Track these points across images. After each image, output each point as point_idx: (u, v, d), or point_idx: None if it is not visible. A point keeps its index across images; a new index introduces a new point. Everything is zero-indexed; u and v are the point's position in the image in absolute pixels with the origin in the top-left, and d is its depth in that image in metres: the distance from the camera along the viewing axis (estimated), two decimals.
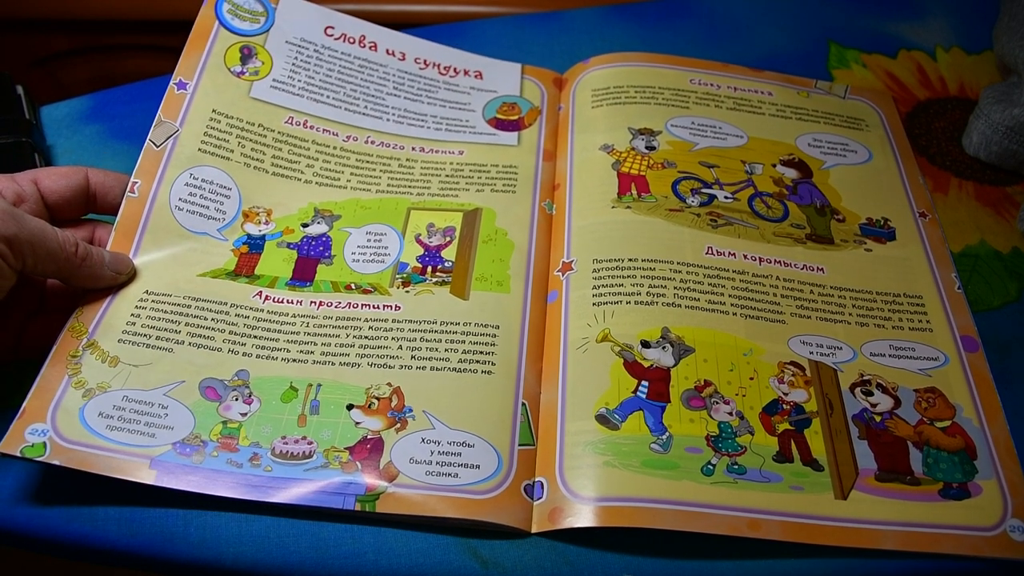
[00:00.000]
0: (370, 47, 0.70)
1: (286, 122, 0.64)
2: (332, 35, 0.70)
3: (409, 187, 0.63)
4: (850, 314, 0.56)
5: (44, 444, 0.47)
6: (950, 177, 0.67)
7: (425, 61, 0.71)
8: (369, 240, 0.60)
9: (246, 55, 0.66)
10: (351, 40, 0.70)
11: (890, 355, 0.54)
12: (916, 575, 0.47)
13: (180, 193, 0.59)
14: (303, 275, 0.58)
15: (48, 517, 0.48)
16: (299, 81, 0.67)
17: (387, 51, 0.71)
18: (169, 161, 0.60)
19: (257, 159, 0.62)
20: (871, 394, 0.52)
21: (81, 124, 0.71)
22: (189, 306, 0.54)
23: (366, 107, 0.67)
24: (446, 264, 0.58)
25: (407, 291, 0.57)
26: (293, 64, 0.67)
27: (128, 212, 0.57)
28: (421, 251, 0.59)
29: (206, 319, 0.54)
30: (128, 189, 0.58)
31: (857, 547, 0.46)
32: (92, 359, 0.51)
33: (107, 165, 0.66)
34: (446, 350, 0.53)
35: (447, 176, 0.64)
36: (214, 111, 0.63)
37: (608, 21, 0.80)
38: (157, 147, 0.60)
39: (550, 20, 0.80)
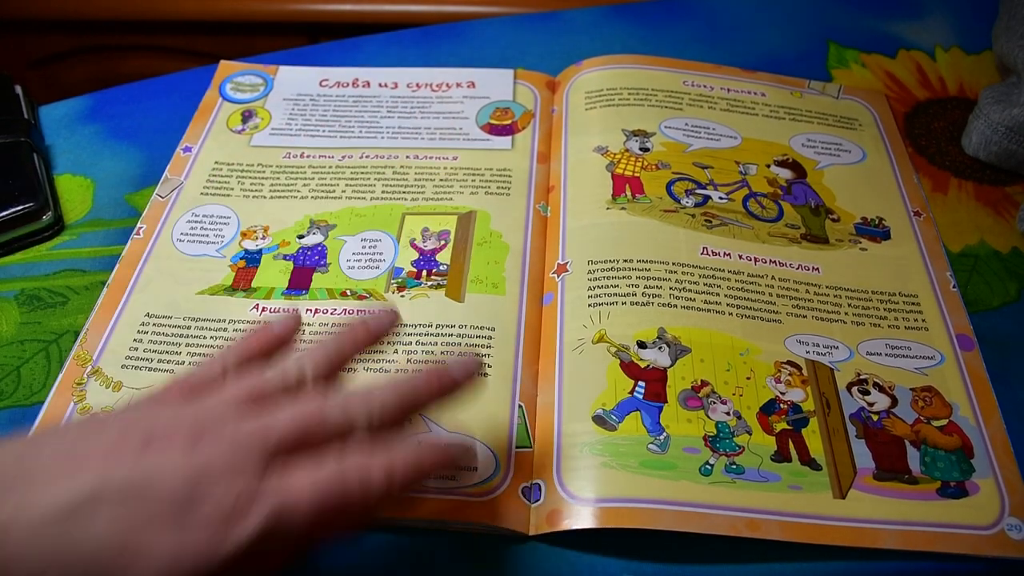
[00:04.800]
0: (363, 85, 0.73)
1: (284, 157, 0.67)
2: (327, 85, 0.73)
3: (403, 192, 0.64)
4: (846, 313, 0.56)
5: None
6: (949, 177, 0.67)
7: (417, 84, 0.73)
8: (364, 247, 0.60)
9: (246, 116, 0.70)
10: (344, 84, 0.73)
11: (886, 354, 0.54)
12: (915, 574, 0.46)
13: (182, 228, 0.62)
14: (299, 284, 0.58)
15: None
16: (296, 125, 0.70)
17: (380, 84, 0.73)
18: (173, 207, 0.63)
19: (256, 190, 0.65)
20: (868, 393, 0.52)
21: (80, 124, 0.71)
22: (189, 327, 0.56)
23: (361, 132, 0.69)
24: (441, 267, 0.58)
25: (402, 295, 0.57)
26: (290, 113, 0.71)
27: (132, 249, 0.60)
28: (416, 255, 0.59)
29: (205, 338, 0.55)
30: (134, 232, 0.61)
31: (856, 546, 0.46)
32: (96, 385, 0.52)
33: (106, 165, 0.67)
34: (442, 353, 0.53)
35: (441, 180, 0.64)
36: (216, 162, 0.66)
37: (607, 21, 0.80)
38: (162, 199, 0.63)
39: (548, 20, 0.80)
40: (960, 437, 0.50)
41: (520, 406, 0.52)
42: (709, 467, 0.48)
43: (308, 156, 0.67)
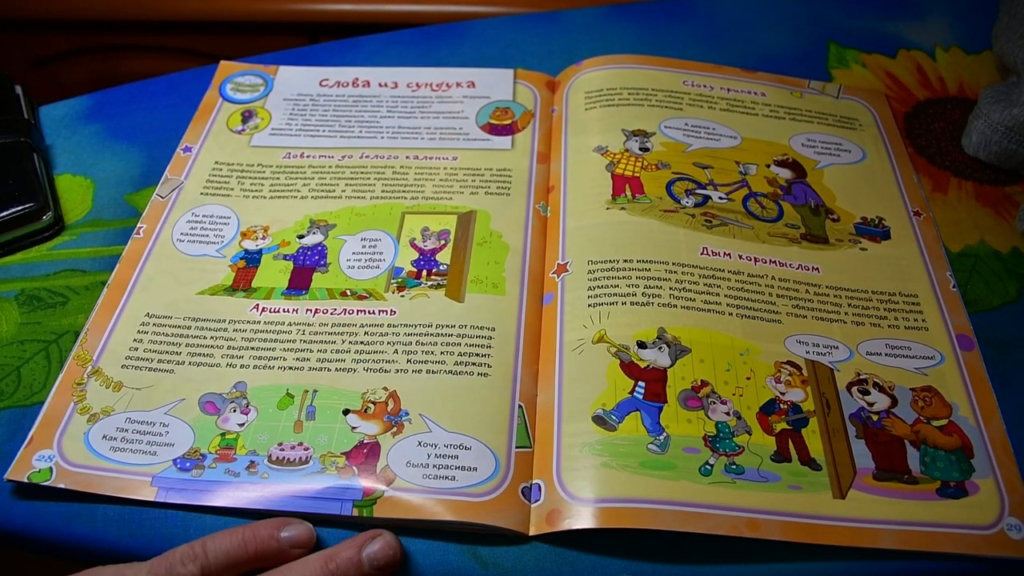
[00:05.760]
0: (363, 85, 0.73)
1: (284, 157, 0.67)
2: (327, 85, 0.73)
3: (403, 192, 0.64)
4: (846, 313, 0.56)
5: (50, 469, 0.49)
6: (949, 177, 0.67)
7: (417, 84, 0.73)
8: (364, 246, 0.60)
9: (246, 117, 0.70)
10: (344, 84, 0.73)
11: (886, 354, 0.54)
12: (914, 574, 0.47)
13: (182, 228, 0.62)
14: (299, 284, 0.58)
15: (47, 518, 0.48)
16: (296, 125, 0.70)
17: (379, 84, 0.74)
18: (173, 207, 0.63)
19: (256, 190, 0.65)
20: (868, 393, 0.52)
21: (80, 124, 0.71)
22: (189, 327, 0.56)
23: (361, 132, 0.69)
24: (441, 267, 0.58)
25: (402, 295, 0.57)
26: (290, 114, 0.71)
27: (132, 250, 0.60)
28: (416, 255, 0.59)
29: (205, 338, 0.55)
30: (134, 232, 0.61)
31: (856, 546, 0.46)
32: (96, 385, 0.53)
33: (106, 165, 0.67)
34: (442, 353, 0.53)
35: (441, 180, 0.64)
36: (216, 162, 0.66)
37: (607, 21, 0.80)
38: (163, 199, 0.63)
39: (549, 20, 0.80)
40: (960, 437, 0.50)
41: (520, 406, 0.52)
42: (709, 467, 0.48)
43: (308, 156, 0.67)
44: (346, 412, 0.51)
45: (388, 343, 0.54)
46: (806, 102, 0.70)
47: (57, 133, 0.70)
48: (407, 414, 0.51)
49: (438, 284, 0.57)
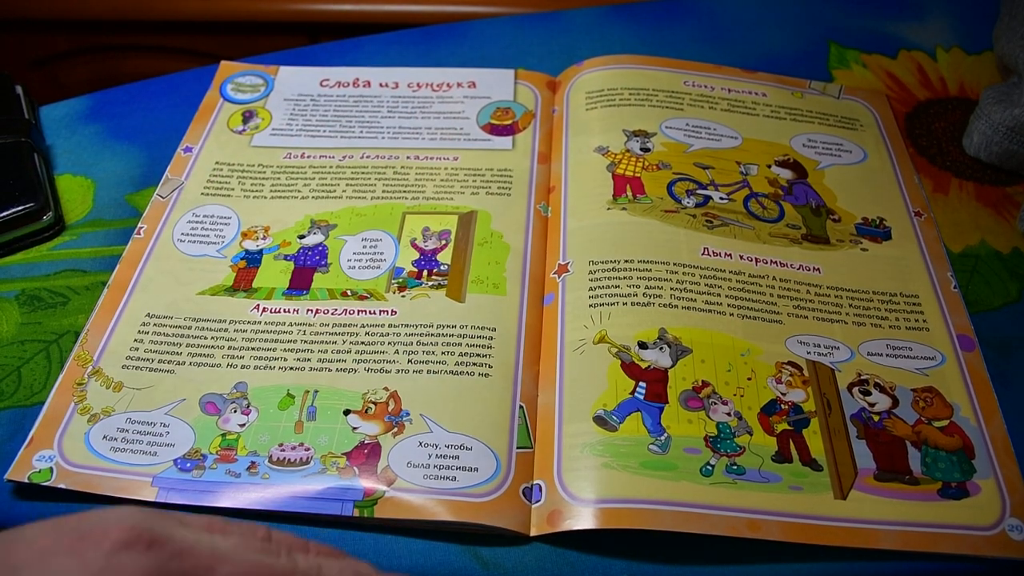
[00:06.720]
0: (364, 85, 0.73)
1: (284, 157, 0.67)
2: (327, 85, 0.74)
3: (404, 192, 0.64)
4: (847, 314, 0.56)
5: (51, 470, 0.49)
6: (950, 177, 0.67)
7: (418, 84, 0.73)
8: (365, 247, 0.60)
9: (247, 117, 0.70)
10: (345, 84, 0.73)
11: (887, 354, 0.54)
12: (915, 575, 0.47)
13: (183, 228, 0.62)
14: (300, 284, 0.58)
15: (47, 517, 0.48)
16: (297, 125, 0.70)
17: (380, 84, 0.74)
18: (174, 207, 0.63)
19: (256, 190, 0.65)
20: (869, 393, 0.52)
21: (80, 124, 0.71)
22: (189, 327, 0.56)
23: (361, 132, 0.69)
24: (442, 267, 0.58)
25: (403, 296, 0.57)
26: (291, 114, 0.71)
27: (133, 250, 0.60)
28: (417, 255, 0.59)
29: (206, 338, 0.55)
30: (135, 233, 0.61)
31: (856, 547, 0.46)
32: (97, 385, 0.53)
33: (106, 165, 0.67)
34: (443, 353, 0.53)
35: (442, 180, 0.64)
36: (217, 163, 0.66)
37: (607, 21, 0.80)
38: (163, 199, 0.63)
39: (549, 20, 0.80)
40: (961, 438, 0.50)
41: (521, 407, 0.52)
42: (710, 468, 0.48)
43: (309, 156, 0.67)
44: (347, 412, 0.51)
45: (389, 343, 0.54)
46: (807, 102, 0.70)
47: (57, 133, 0.70)
48: (408, 414, 0.51)
49: (439, 284, 0.57)
